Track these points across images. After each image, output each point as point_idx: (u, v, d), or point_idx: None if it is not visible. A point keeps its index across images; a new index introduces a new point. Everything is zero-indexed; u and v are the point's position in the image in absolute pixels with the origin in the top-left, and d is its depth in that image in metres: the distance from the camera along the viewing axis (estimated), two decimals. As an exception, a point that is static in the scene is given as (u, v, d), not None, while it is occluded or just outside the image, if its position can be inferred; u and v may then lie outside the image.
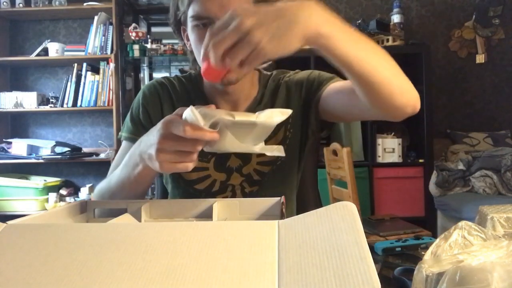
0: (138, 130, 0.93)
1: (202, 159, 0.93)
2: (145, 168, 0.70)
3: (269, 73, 1.02)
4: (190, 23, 0.85)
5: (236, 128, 0.63)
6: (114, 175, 0.82)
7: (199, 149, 0.64)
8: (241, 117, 0.62)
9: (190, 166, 0.65)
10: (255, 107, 0.95)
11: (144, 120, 0.95)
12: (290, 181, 1.00)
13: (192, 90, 0.98)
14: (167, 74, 3.43)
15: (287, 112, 0.64)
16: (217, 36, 0.56)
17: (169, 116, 0.65)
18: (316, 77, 0.96)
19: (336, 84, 0.90)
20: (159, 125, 0.64)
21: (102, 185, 0.87)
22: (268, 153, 0.67)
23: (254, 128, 0.63)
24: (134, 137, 0.93)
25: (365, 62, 0.65)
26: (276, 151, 0.68)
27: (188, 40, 0.90)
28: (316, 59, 2.87)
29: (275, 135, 0.94)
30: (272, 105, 0.96)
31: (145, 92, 0.98)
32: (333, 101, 0.90)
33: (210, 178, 0.94)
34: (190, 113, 0.61)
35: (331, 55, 0.62)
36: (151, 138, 0.65)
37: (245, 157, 0.94)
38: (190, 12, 0.83)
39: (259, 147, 0.66)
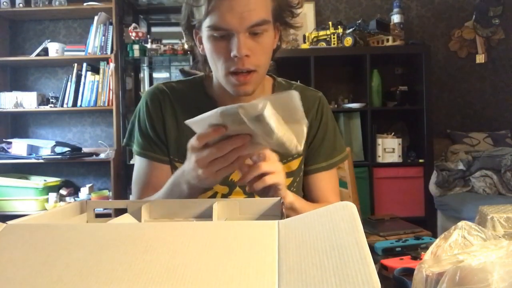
0: (150, 146, 0.96)
1: None
2: (191, 193, 0.78)
3: (284, 82, 1.03)
4: (206, 32, 0.83)
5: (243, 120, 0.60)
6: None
7: (229, 147, 0.66)
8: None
9: (236, 166, 0.70)
10: None
11: (154, 136, 0.96)
12: None
13: (197, 95, 0.97)
14: (167, 74, 3.43)
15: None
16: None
17: (191, 140, 0.69)
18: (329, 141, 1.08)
19: (320, 183, 1.03)
20: (188, 154, 0.71)
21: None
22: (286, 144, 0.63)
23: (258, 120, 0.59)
24: (148, 153, 0.96)
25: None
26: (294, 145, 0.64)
27: (200, 43, 0.90)
28: (316, 59, 2.88)
29: (288, 162, 0.97)
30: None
31: (148, 103, 0.97)
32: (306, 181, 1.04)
33: (211, 190, 0.94)
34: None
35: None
36: (190, 165, 0.71)
37: None
38: (208, 22, 0.81)
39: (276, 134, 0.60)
